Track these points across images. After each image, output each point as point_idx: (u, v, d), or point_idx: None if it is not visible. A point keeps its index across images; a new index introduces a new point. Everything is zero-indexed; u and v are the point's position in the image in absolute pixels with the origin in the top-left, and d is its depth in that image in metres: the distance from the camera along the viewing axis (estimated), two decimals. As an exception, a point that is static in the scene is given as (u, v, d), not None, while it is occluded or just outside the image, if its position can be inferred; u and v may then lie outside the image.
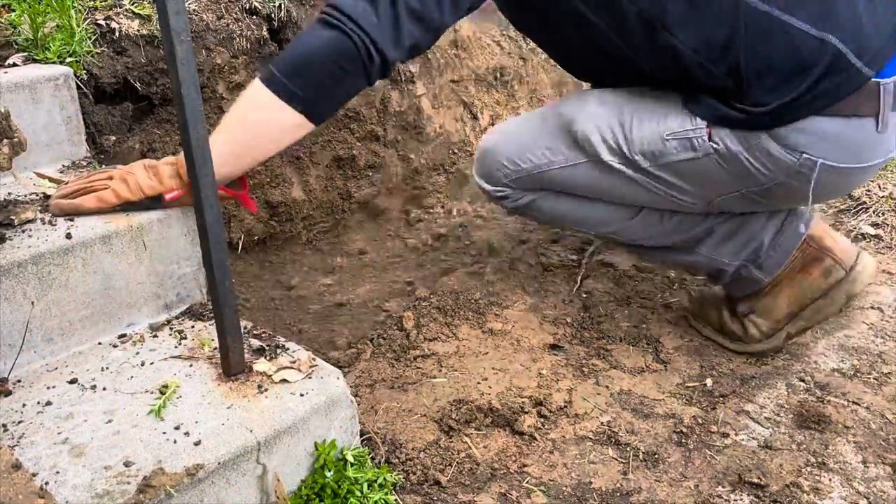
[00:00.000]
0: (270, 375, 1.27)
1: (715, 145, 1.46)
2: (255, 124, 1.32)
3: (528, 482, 1.33)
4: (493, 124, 2.73)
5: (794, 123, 1.41)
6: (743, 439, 1.44)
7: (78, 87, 1.70)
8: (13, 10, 1.78)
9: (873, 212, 2.33)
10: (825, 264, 1.61)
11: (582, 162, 1.60)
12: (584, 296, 1.97)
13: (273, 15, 2.06)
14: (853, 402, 1.54)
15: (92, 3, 1.84)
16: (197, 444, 1.12)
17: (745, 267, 1.66)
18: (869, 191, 2.43)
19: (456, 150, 2.61)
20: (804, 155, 1.42)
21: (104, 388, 1.24)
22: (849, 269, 1.60)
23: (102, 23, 1.80)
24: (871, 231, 2.27)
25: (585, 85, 1.88)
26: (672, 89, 1.52)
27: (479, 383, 1.57)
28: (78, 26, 1.74)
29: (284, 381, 1.26)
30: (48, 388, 1.24)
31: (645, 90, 1.56)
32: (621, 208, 1.67)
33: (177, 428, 1.15)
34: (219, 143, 1.23)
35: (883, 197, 2.39)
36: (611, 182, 1.60)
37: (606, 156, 1.56)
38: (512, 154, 1.67)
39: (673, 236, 1.69)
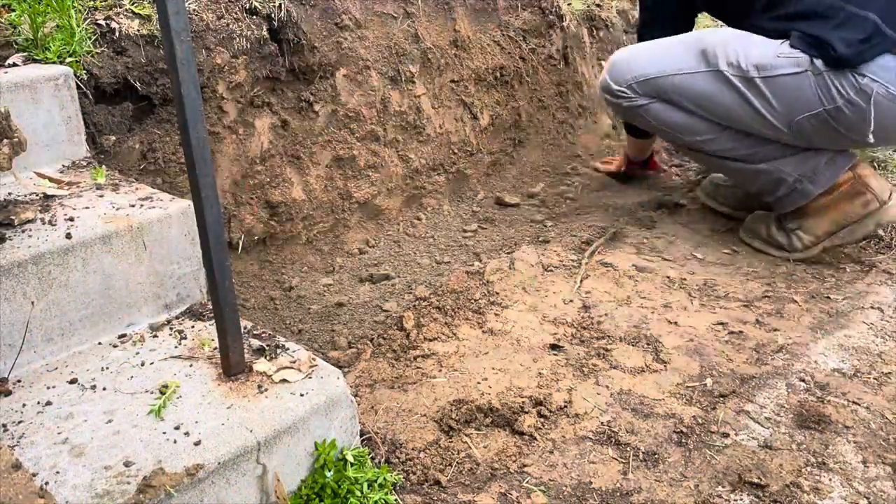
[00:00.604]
0: (270, 375, 1.27)
1: (813, 65, 1.93)
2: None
3: (528, 482, 1.33)
4: (492, 124, 2.74)
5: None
6: (743, 439, 1.44)
7: (78, 87, 1.70)
8: (13, 10, 1.78)
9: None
10: (866, 197, 2.08)
11: (702, 71, 2.05)
12: (584, 296, 1.97)
13: (273, 15, 2.06)
14: (853, 402, 1.54)
15: (92, 3, 1.84)
16: (197, 444, 1.12)
17: (800, 181, 2.09)
18: (869, 191, 2.43)
19: (456, 150, 2.61)
20: (865, 77, 1.89)
21: (104, 388, 1.24)
22: (882, 202, 2.08)
23: (102, 23, 1.80)
24: (866, 234, 2.27)
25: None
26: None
27: (479, 383, 1.57)
28: (78, 26, 1.74)
29: (284, 381, 1.26)
30: (48, 388, 1.24)
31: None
32: (713, 123, 2.11)
33: (177, 428, 1.15)
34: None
35: (883, 197, 2.39)
36: (718, 92, 2.04)
37: (724, 66, 2.01)
38: (645, 61, 2.13)
39: (749, 149, 2.11)
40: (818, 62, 1.93)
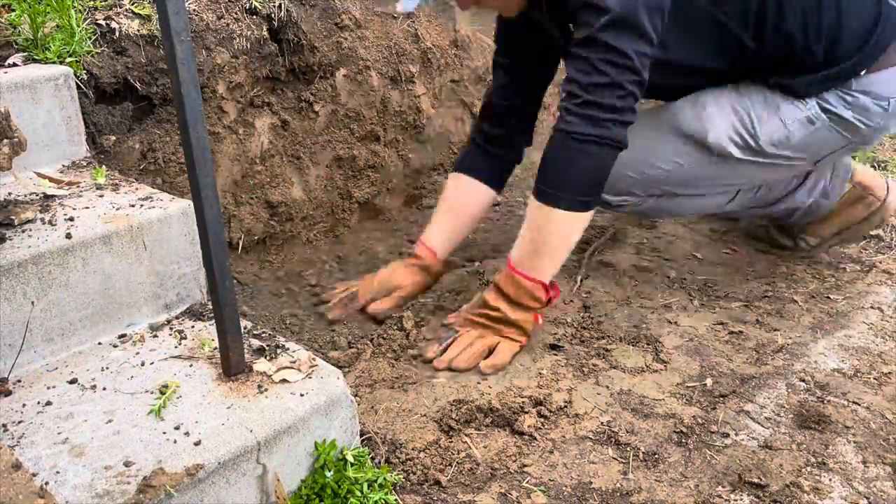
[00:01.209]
0: (270, 375, 1.27)
1: (828, 113, 1.79)
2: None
3: (528, 482, 1.33)
4: (493, 124, 2.73)
5: (874, 75, 1.74)
6: (743, 439, 1.44)
7: (78, 87, 1.70)
8: (13, 10, 1.78)
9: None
10: (867, 200, 2.09)
11: (712, 162, 1.85)
12: (584, 296, 1.97)
13: (273, 15, 2.06)
14: (853, 402, 1.54)
15: (92, 3, 1.84)
16: (197, 444, 1.12)
17: (815, 203, 2.09)
18: (869, 191, 2.44)
19: (456, 151, 2.61)
20: (891, 100, 1.77)
21: (104, 388, 1.24)
22: (882, 200, 2.08)
23: (102, 23, 1.80)
24: (872, 231, 2.27)
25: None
26: (753, 80, 1.82)
27: (479, 383, 1.57)
28: (78, 26, 1.74)
29: (284, 381, 1.26)
30: (48, 388, 1.24)
31: (736, 89, 1.83)
32: (721, 195, 2.00)
33: (177, 428, 1.15)
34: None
35: (883, 197, 2.39)
36: (737, 171, 1.89)
37: (738, 153, 1.83)
38: (637, 165, 1.83)
39: (763, 198, 2.05)
40: (830, 99, 1.77)
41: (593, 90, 1.54)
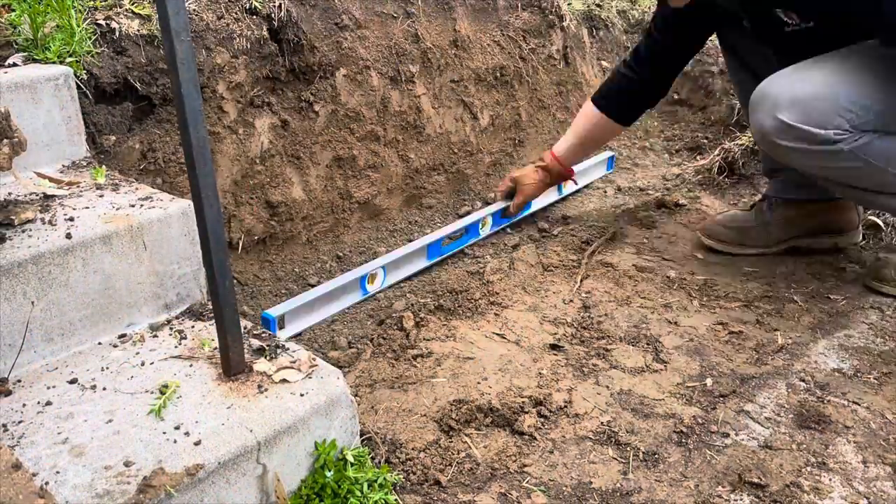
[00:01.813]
0: (270, 375, 1.27)
1: None
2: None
3: (528, 482, 1.33)
4: (493, 124, 2.73)
5: None
6: (743, 439, 1.44)
7: (78, 87, 1.70)
8: (13, 10, 1.78)
9: (873, 212, 2.33)
10: None
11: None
12: (584, 296, 1.97)
13: (273, 15, 2.06)
14: (853, 402, 1.54)
15: (92, 3, 1.84)
16: (197, 443, 1.12)
17: None
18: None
19: (456, 150, 2.61)
20: None
21: (104, 388, 1.24)
22: None
23: (102, 23, 1.80)
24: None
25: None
26: None
27: (479, 383, 1.57)
28: (78, 26, 1.74)
29: (284, 380, 1.26)
30: (48, 388, 1.24)
31: None
32: None
33: (177, 428, 1.15)
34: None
35: (883, 197, 2.39)
36: None
37: None
38: (854, 97, 1.71)
39: None
40: None
41: None
